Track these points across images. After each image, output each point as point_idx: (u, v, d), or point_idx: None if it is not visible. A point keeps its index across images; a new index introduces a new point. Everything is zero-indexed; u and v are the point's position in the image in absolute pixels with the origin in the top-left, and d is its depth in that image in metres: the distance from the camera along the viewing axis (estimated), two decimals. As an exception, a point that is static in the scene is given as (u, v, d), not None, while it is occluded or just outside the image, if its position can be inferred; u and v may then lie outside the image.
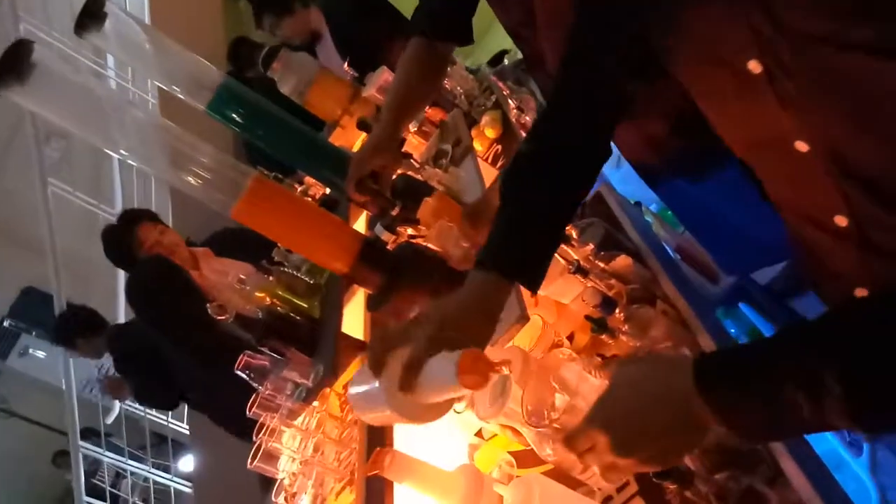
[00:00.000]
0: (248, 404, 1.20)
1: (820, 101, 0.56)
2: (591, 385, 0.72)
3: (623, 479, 0.67)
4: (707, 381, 0.56)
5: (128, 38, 1.23)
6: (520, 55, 2.36)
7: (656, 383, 0.61)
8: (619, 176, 2.11)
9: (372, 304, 1.21)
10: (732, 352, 0.61)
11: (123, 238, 2.18)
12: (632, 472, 0.64)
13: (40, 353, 5.68)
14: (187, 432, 4.37)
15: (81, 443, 4.06)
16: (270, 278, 1.38)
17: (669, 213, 2.41)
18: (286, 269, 1.44)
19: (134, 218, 2.27)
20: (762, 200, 1.24)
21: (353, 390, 0.85)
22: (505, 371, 0.72)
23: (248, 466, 1.10)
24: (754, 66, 0.58)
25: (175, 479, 4.43)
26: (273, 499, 1.09)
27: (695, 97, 0.69)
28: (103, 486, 4.82)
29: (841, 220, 0.63)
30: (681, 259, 1.85)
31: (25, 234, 5.12)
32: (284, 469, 1.12)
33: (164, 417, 4.50)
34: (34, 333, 5.42)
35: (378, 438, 1.08)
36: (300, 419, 1.16)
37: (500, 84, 1.89)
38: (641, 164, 1.37)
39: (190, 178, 1.05)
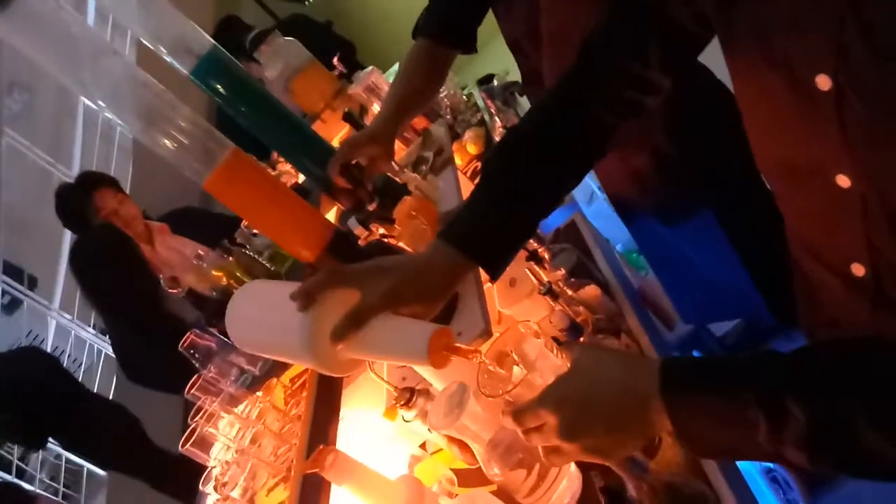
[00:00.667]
0: (188, 385, 1.14)
1: (891, 128, 0.51)
2: (551, 364, 0.69)
3: (564, 464, 0.64)
4: (671, 384, 0.55)
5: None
6: (508, 79, 2.39)
7: (619, 375, 0.58)
8: (589, 212, 2.13)
9: (333, 299, 1.17)
10: (702, 361, 0.59)
11: (80, 200, 2.09)
12: (573, 458, 0.61)
13: (-34, 311, 5.39)
14: (111, 413, 4.19)
15: (-6, 410, 3.84)
16: (230, 259, 1.33)
17: (634, 255, 2.44)
18: (247, 252, 1.39)
19: (94, 181, 2.18)
20: (732, 254, 1.27)
21: (249, 303, 0.77)
22: (478, 359, 0.68)
23: (179, 449, 1.04)
24: (823, 82, 0.52)
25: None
26: (201, 487, 1.04)
27: (738, 98, 0.64)
28: (10, 457, 4.57)
29: (858, 269, 0.60)
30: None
31: (-30, 183, 4.86)
32: (217, 457, 1.06)
33: (89, 395, 4.31)
34: (-40, 288, 5.13)
35: (320, 437, 1.04)
36: (241, 407, 1.10)
37: (489, 101, 1.89)
38: (619, 198, 1.38)
39: (165, 140, 1.00)
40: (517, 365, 0.72)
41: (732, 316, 1.67)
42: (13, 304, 4.53)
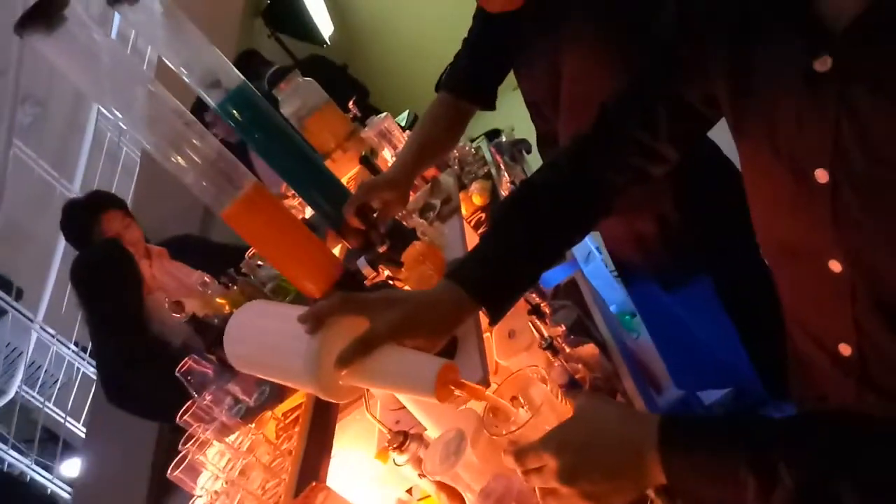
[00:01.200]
0: (181, 411, 1.14)
1: (881, 220, 0.55)
2: (556, 410, 0.71)
3: None
4: (668, 439, 0.57)
5: (155, 19, 1.22)
6: (514, 135, 2.46)
7: (619, 426, 0.61)
8: (586, 271, 2.17)
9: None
10: (700, 420, 0.63)
11: (87, 218, 2.10)
12: (569, 502, 0.63)
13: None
14: (82, 435, 4.09)
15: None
16: (234, 287, 1.34)
17: (626, 317, 2.47)
18: (251, 282, 1.40)
19: (105, 202, 2.20)
20: (728, 323, 1.30)
21: (251, 322, 0.77)
22: (487, 392, 0.69)
23: (168, 475, 1.03)
24: (821, 175, 0.57)
25: (55, 480, 4.11)
26: (184, 516, 1.02)
27: (744, 176, 0.69)
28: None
29: (845, 349, 0.64)
30: (632, 363, 1.89)
31: (-29, 190, 4.86)
32: (204, 487, 1.05)
33: (62, 415, 4.22)
34: (-53, 295, 5.07)
35: (311, 473, 1.03)
36: (232, 437, 1.10)
37: (497, 156, 1.94)
38: (621, 259, 1.41)
39: (188, 167, 1.03)
40: (522, 407, 0.74)
41: (724, 384, 1.69)
42: (-4, 315, 4.48)
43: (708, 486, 0.55)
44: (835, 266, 0.60)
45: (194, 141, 1.02)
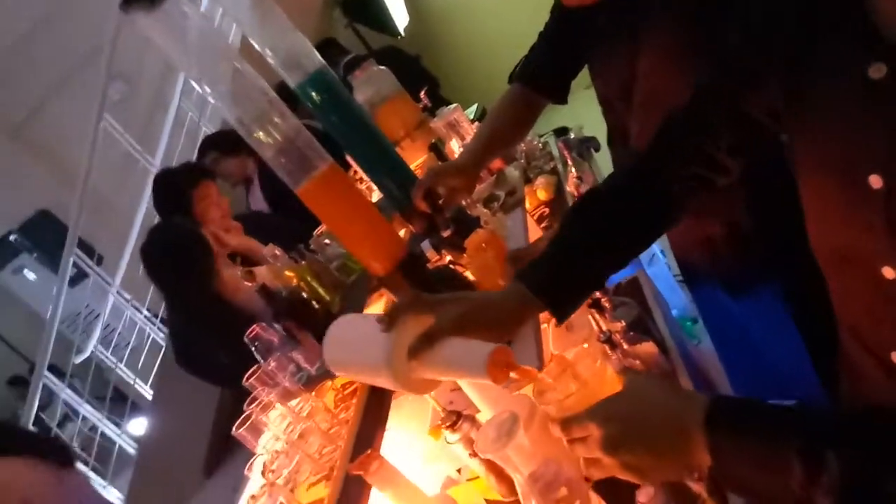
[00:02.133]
0: (248, 374, 1.20)
1: None
2: (604, 384, 0.72)
3: (601, 477, 0.66)
4: (716, 418, 0.57)
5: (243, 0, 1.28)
6: (583, 133, 2.44)
7: (668, 402, 0.62)
8: (648, 273, 2.14)
9: (395, 314, 1.21)
10: (750, 402, 0.61)
11: (184, 183, 2.20)
12: (612, 473, 0.64)
13: (32, 276, 5.69)
14: (149, 397, 4.32)
15: (46, 373, 4.02)
16: (303, 263, 1.40)
17: (688, 323, 2.42)
18: (319, 259, 1.46)
19: (204, 171, 2.30)
20: (795, 333, 1.26)
21: (342, 331, 0.84)
22: (538, 374, 0.72)
23: (233, 433, 1.09)
24: (875, 181, 0.58)
25: (123, 434, 4.35)
26: (246, 471, 1.08)
27: (800, 188, 0.70)
28: (48, 422, 4.75)
29: None
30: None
31: (63, 159, 5.19)
32: (265, 446, 1.11)
33: (132, 376, 4.46)
34: (35, 256, 5.44)
35: (366, 443, 1.07)
36: (294, 402, 1.15)
37: (566, 152, 1.94)
38: (688, 263, 1.39)
39: (270, 143, 1.08)
40: (574, 382, 0.75)
41: (786, 395, 1.64)
42: (78, 278, 4.77)
43: (752, 468, 0.55)
44: (888, 273, 0.60)
45: (276, 119, 1.07)
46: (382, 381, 0.79)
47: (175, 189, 2.22)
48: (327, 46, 3.14)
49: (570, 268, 0.83)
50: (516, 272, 0.82)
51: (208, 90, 1.09)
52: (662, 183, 0.83)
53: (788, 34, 0.64)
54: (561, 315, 0.83)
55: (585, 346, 0.79)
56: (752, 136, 0.75)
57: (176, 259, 2.04)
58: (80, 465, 2.52)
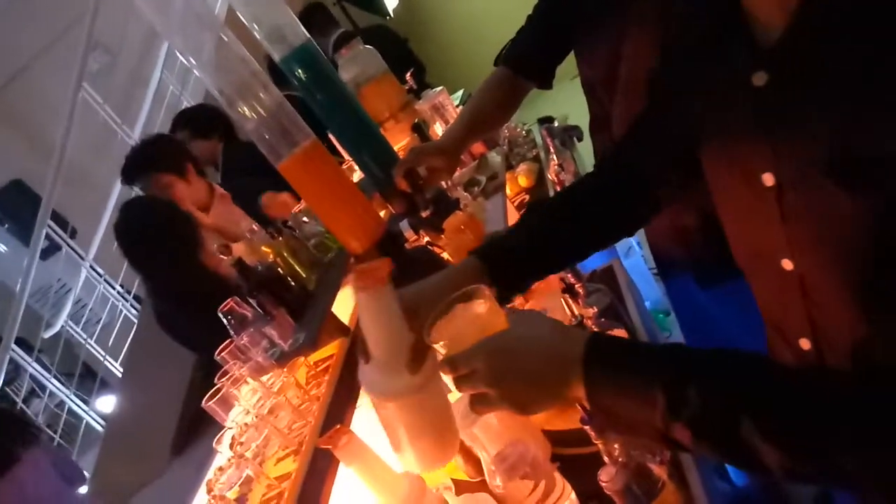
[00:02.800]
0: (219, 348, 1.19)
1: (810, 221, 0.60)
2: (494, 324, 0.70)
3: (487, 412, 0.69)
4: (592, 355, 0.60)
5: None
6: (568, 122, 2.45)
7: (549, 337, 0.64)
8: (624, 265, 2.16)
9: (371, 293, 1.21)
10: (627, 342, 0.65)
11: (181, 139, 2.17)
12: (496, 408, 0.66)
13: (2, 247, 5.58)
14: (119, 374, 4.27)
15: (14, 346, 3.95)
16: (280, 238, 1.39)
17: (660, 315, 2.46)
18: (296, 236, 1.45)
19: (207, 130, 2.35)
20: (761, 325, 1.29)
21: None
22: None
23: (202, 405, 1.09)
24: (767, 179, 0.62)
25: (90, 412, 4.30)
26: (214, 445, 1.08)
27: (716, 203, 0.74)
28: (14, 397, 4.68)
29: (805, 344, 0.68)
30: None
31: (39, 129, 5.08)
32: (234, 420, 1.10)
33: (102, 353, 4.41)
34: (6, 226, 5.33)
35: (336, 418, 1.08)
36: (265, 377, 1.15)
37: (549, 139, 1.95)
38: (662, 253, 1.41)
39: (251, 116, 1.07)
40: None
41: None
42: (50, 250, 4.69)
43: (621, 400, 0.58)
44: (787, 264, 0.64)
45: (259, 92, 1.06)
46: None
47: (174, 141, 2.21)
48: (313, 11, 3.11)
49: (523, 253, 0.84)
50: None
51: (192, 60, 1.08)
52: (636, 183, 0.85)
53: (688, 48, 0.71)
54: (504, 293, 0.83)
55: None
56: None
57: (162, 231, 2.01)
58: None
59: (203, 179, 2.27)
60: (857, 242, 0.56)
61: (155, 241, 2.03)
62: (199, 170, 2.27)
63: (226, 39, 1.08)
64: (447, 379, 0.68)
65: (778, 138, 0.60)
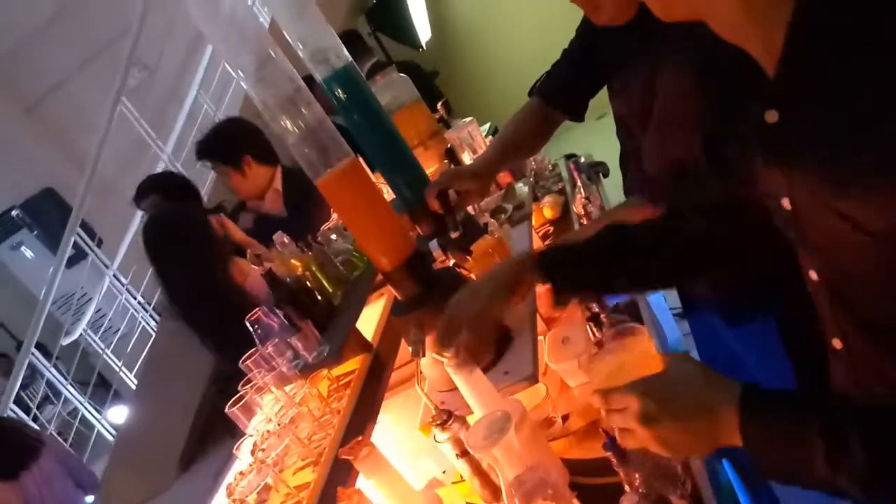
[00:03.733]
0: (245, 355, 1.21)
1: (832, 243, 0.63)
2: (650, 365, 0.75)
3: (634, 447, 0.72)
4: (748, 401, 0.62)
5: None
6: (594, 158, 2.48)
7: (703, 382, 0.66)
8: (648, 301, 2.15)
9: (397, 310, 1.23)
10: (778, 392, 0.65)
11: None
12: (644, 444, 0.68)
13: (30, 254, 5.68)
14: (133, 386, 4.30)
15: (33, 350, 4.00)
16: (309, 253, 1.41)
17: (679, 351, 2.44)
18: (325, 251, 1.47)
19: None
20: (787, 368, 1.27)
21: None
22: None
23: (226, 410, 1.10)
24: (786, 203, 0.65)
25: (103, 420, 4.32)
26: (234, 451, 1.09)
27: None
28: (27, 401, 4.72)
29: (837, 343, 0.70)
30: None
31: (74, 139, 5.22)
32: (255, 427, 1.11)
33: (118, 363, 4.44)
34: (35, 233, 5.44)
35: (356, 432, 1.08)
36: (288, 388, 1.16)
37: (576, 173, 1.97)
38: (686, 288, 1.41)
39: (293, 128, 1.10)
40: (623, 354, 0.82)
41: None
42: (75, 259, 4.77)
43: (779, 448, 0.59)
44: (813, 275, 0.68)
45: (302, 108, 1.10)
46: None
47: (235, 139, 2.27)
48: (350, 39, 3.21)
49: (584, 265, 0.93)
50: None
51: (240, 73, 1.12)
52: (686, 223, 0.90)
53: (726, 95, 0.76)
54: (559, 294, 0.92)
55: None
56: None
57: (189, 238, 2.05)
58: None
59: (263, 166, 2.32)
60: (863, 265, 0.60)
61: (177, 249, 2.09)
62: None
63: (273, 56, 1.12)
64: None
65: (791, 169, 0.64)
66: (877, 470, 0.54)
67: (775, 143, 0.63)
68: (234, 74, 1.10)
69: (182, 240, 2.09)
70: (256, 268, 1.30)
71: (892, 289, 0.58)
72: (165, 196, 2.66)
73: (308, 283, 1.36)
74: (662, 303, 2.35)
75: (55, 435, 4.51)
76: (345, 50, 1.37)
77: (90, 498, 2.52)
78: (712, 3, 0.62)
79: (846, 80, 0.55)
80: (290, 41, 1.33)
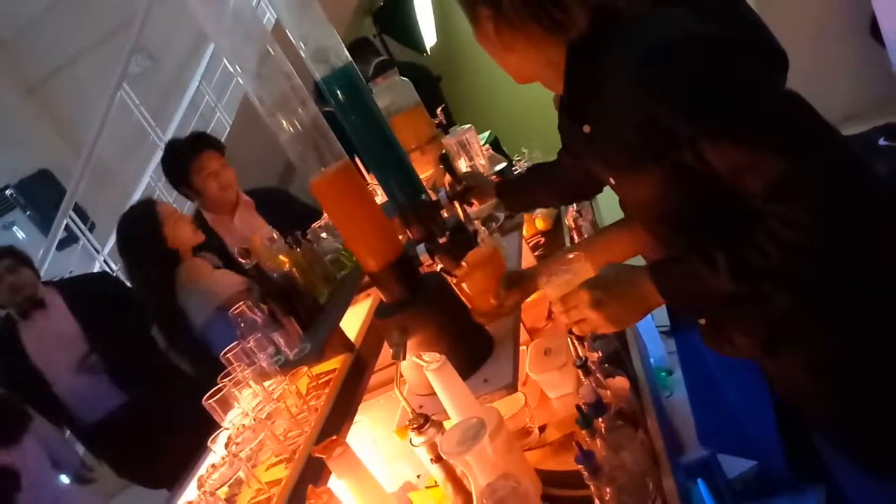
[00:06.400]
0: (227, 349, 1.21)
1: (631, 198, 1.04)
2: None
3: (589, 331, 0.97)
4: (654, 269, 0.91)
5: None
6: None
7: (628, 271, 0.94)
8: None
9: (381, 312, 1.23)
10: (670, 257, 0.94)
11: (187, 154, 2.22)
12: (595, 326, 0.94)
13: (21, 235, 5.65)
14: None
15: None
16: (298, 250, 1.41)
17: (662, 374, 2.45)
18: (314, 249, 1.48)
19: (205, 142, 2.28)
20: (766, 398, 1.28)
21: None
22: None
23: (203, 401, 1.10)
24: (610, 181, 1.03)
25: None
26: (209, 444, 1.08)
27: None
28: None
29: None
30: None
31: (74, 123, 5.20)
32: (232, 421, 1.11)
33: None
34: (28, 214, 5.42)
35: (332, 431, 1.08)
36: (267, 383, 1.16)
37: (569, 187, 1.97)
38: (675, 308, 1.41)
39: (287, 126, 1.10)
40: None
41: (748, 455, 1.65)
42: (67, 242, 4.75)
43: (682, 283, 0.87)
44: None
45: (297, 108, 1.10)
46: None
47: (174, 160, 2.25)
48: (359, 46, 3.23)
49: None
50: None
51: (238, 68, 1.12)
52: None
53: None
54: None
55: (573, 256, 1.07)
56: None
57: (136, 239, 2.08)
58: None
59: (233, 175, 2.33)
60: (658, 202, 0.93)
61: (127, 249, 2.12)
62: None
63: (272, 52, 1.13)
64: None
65: (603, 161, 0.98)
66: (738, 263, 0.81)
67: (591, 144, 0.97)
68: (231, 69, 1.10)
69: (131, 240, 2.12)
70: (244, 262, 1.30)
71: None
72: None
73: (295, 279, 1.36)
74: (649, 320, 2.36)
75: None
76: (345, 50, 1.38)
77: (65, 478, 2.50)
78: (539, 73, 0.99)
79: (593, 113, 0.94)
80: (293, 39, 1.34)
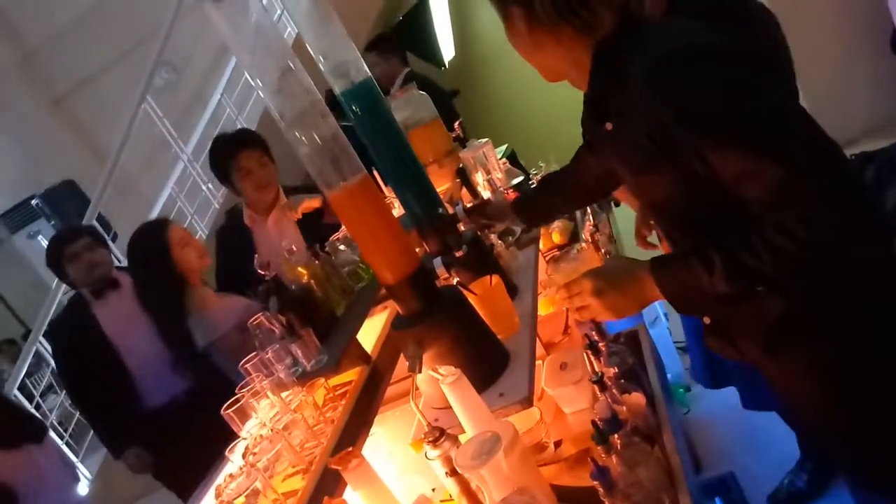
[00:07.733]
0: (245, 359, 1.22)
1: (644, 194, 1.08)
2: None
3: (590, 317, 1.02)
4: (654, 262, 0.95)
5: (304, 4, 1.34)
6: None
7: (630, 264, 0.98)
8: (651, 333, 2.15)
9: (397, 324, 1.24)
10: (670, 254, 0.99)
11: (228, 152, 2.25)
12: (596, 314, 1.00)
13: (46, 243, 5.76)
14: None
15: (41, 339, 4.04)
16: (316, 262, 1.43)
17: (680, 390, 2.42)
18: (332, 261, 1.49)
19: (247, 140, 2.30)
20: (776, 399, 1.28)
21: None
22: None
23: (221, 412, 1.11)
24: (624, 175, 1.09)
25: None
26: (227, 453, 1.10)
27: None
28: (31, 389, 4.75)
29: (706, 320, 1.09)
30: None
31: (97, 133, 5.30)
32: (249, 431, 1.12)
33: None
34: (52, 223, 5.51)
35: (349, 443, 1.09)
36: (285, 394, 1.17)
37: (586, 201, 1.97)
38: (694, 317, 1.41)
39: (307, 141, 1.12)
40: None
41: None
42: (90, 252, 4.81)
43: (679, 280, 0.91)
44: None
45: (317, 122, 1.12)
46: None
47: (220, 154, 2.29)
48: (383, 41, 3.32)
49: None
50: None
51: (258, 82, 1.14)
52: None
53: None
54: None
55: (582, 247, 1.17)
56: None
57: (145, 262, 2.13)
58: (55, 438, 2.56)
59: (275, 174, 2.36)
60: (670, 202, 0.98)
61: (138, 270, 2.16)
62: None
63: (293, 67, 1.15)
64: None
65: (623, 158, 1.02)
66: (732, 264, 0.85)
67: (611, 139, 1.01)
68: (252, 83, 1.12)
69: (139, 262, 2.17)
70: (263, 273, 1.31)
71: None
72: None
73: (313, 291, 1.37)
74: (667, 335, 2.35)
75: (56, 424, 4.55)
76: (364, 65, 1.39)
77: (83, 488, 2.53)
78: (566, 72, 1.06)
79: (615, 110, 0.99)
80: (312, 54, 1.36)
